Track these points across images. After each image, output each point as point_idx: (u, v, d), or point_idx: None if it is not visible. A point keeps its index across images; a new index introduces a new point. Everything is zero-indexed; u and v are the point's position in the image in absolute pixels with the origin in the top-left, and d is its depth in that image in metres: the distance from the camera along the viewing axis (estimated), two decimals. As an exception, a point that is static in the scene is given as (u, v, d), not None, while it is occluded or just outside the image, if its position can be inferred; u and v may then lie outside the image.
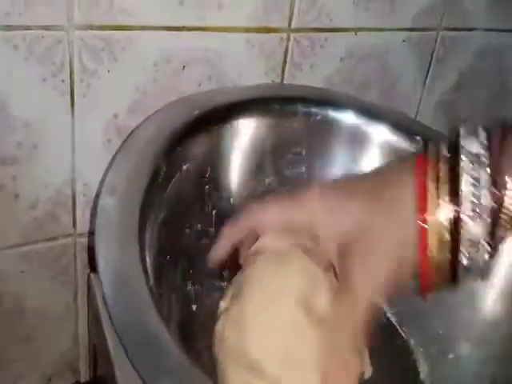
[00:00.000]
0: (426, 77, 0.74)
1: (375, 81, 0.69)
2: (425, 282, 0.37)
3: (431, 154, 0.37)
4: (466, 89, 0.79)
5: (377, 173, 0.41)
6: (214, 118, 0.51)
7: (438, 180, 0.35)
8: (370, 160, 0.57)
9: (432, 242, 0.35)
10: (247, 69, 0.58)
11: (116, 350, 0.31)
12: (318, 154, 0.57)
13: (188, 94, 0.55)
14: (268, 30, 0.57)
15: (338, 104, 0.57)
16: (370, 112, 0.58)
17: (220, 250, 0.42)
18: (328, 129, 0.57)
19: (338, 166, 0.57)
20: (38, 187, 0.51)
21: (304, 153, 0.56)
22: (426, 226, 0.35)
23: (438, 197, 0.35)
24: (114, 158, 0.47)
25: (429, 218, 0.35)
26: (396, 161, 0.44)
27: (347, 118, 0.57)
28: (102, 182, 0.49)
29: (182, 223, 0.48)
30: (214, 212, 0.52)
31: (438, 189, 0.35)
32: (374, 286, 0.38)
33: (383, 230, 0.37)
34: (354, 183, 0.41)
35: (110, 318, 0.31)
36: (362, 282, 0.38)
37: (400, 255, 0.37)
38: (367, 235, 0.38)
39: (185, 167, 0.47)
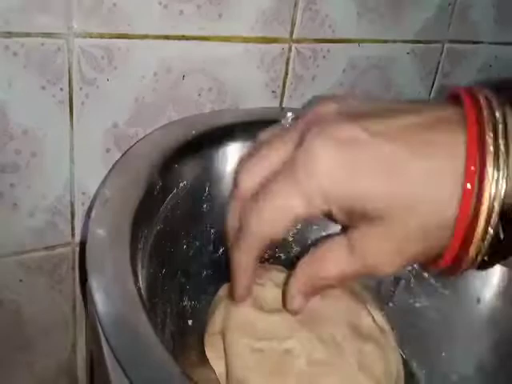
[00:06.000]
0: (431, 90, 0.73)
1: (378, 93, 0.68)
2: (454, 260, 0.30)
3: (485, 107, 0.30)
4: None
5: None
6: (213, 138, 0.51)
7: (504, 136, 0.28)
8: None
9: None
10: (247, 80, 0.57)
11: (112, 359, 0.31)
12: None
13: (186, 112, 0.55)
14: (269, 41, 0.56)
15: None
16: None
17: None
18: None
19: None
20: (37, 196, 0.51)
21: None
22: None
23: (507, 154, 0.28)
24: (108, 173, 0.47)
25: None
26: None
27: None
28: (97, 193, 0.49)
29: (180, 238, 0.48)
30: (212, 231, 0.51)
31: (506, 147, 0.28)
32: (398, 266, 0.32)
33: (418, 206, 0.30)
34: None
35: (102, 330, 0.31)
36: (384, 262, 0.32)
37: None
38: (395, 211, 0.30)
39: (182, 184, 0.47)
